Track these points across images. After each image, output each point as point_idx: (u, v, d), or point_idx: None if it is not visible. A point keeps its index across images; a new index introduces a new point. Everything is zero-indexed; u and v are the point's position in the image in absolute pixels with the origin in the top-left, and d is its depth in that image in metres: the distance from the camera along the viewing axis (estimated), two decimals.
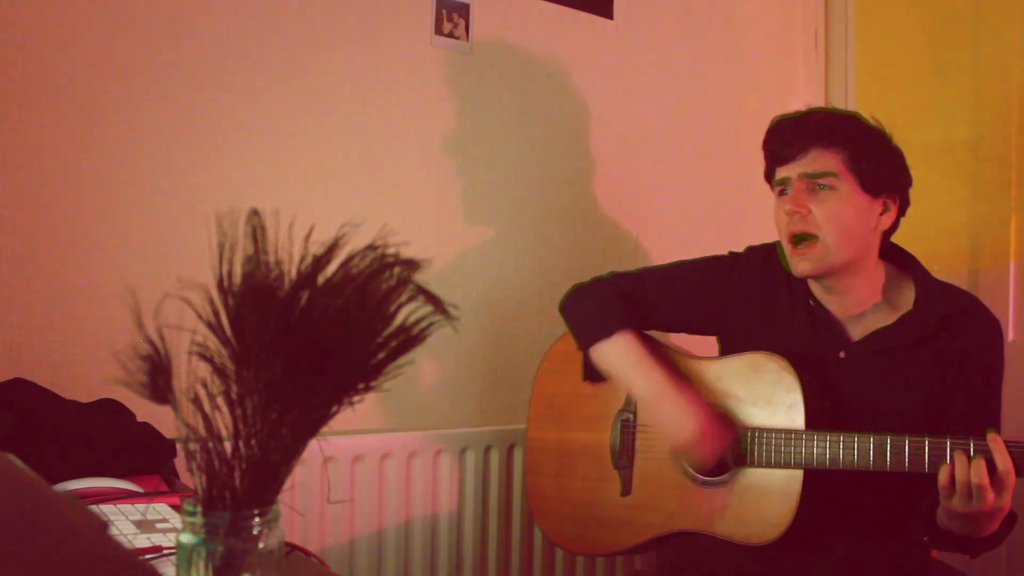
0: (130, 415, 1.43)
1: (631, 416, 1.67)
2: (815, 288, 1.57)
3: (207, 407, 0.58)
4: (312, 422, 0.60)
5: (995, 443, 1.29)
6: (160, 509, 1.10)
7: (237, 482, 0.59)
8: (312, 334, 0.57)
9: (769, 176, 1.58)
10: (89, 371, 1.60)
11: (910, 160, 1.53)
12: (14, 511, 0.47)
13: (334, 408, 0.60)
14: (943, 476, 1.31)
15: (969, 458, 1.30)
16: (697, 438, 1.50)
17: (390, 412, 1.96)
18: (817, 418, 1.48)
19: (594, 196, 2.26)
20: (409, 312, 0.60)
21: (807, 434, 1.46)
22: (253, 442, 0.59)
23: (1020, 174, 2.21)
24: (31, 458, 0.70)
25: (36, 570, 0.43)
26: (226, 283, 0.58)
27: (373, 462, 1.87)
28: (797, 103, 2.54)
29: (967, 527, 1.35)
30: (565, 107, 2.22)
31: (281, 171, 1.83)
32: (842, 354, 1.54)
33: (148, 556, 0.91)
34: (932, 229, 2.16)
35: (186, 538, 0.59)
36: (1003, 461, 1.28)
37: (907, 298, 1.53)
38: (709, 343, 1.71)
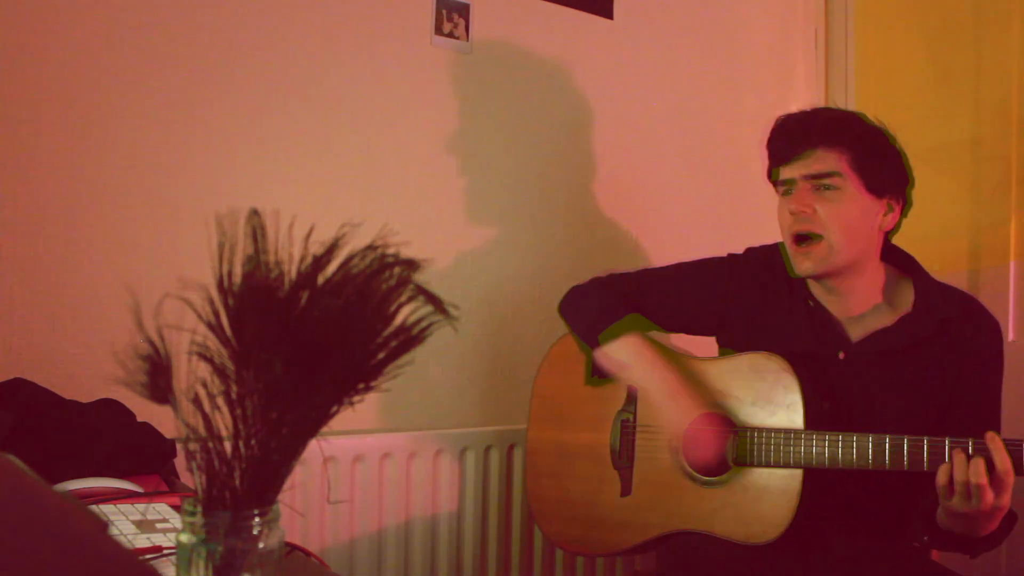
0: (130, 415, 1.43)
1: (631, 416, 1.67)
2: (815, 289, 1.57)
3: (207, 407, 0.58)
4: (312, 422, 0.60)
5: (994, 442, 1.29)
6: (160, 509, 1.10)
7: (237, 482, 0.59)
8: (312, 334, 0.57)
9: (771, 175, 1.58)
10: (89, 371, 1.60)
11: (910, 160, 1.53)
12: (14, 511, 0.47)
13: (334, 408, 0.60)
14: (942, 476, 1.31)
15: (968, 458, 1.30)
16: (697, 438, 1.50)
17: (390, 412, 1.96)
18: (816, 418, 1.48)
19: (594, 196, 2.26)
20: (409, 312, 0.60)
21: (806, 434, 1.46)
22: (253, 442, 0.59)
23: (1020, 174, 2.21)
24: (31, 458, 0.70)
25: (36, 570, 0.43)
26: (226, 283, 0.58)
27: (373, 462, 1.87)
28: (797, 103, 2.54)
29: (966, 527, 1.35)
30: (565, 107, 2.22)
31: (281, 171, 1.83)
32: (842, 355, 1.54)
33: (148, 556, 0.91)
34: (932, 229, 2.16)
35: (186, 538, 0.59)
36: (1002, 460, 1.28)
37: (907, 299, 1.53)
38: (709, 343, 1.71)
